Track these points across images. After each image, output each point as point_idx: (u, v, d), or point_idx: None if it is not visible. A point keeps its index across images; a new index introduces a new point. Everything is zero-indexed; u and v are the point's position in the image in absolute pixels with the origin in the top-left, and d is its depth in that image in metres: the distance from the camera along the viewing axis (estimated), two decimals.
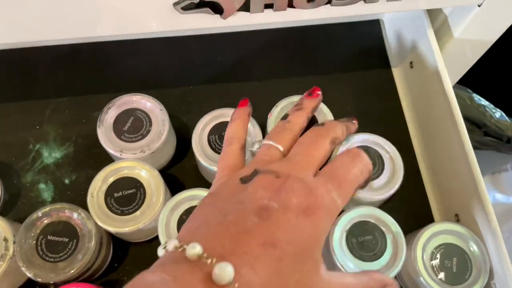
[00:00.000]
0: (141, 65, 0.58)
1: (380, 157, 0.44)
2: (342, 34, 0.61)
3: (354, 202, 0.43)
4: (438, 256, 0.42)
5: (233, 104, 0.41)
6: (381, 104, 0.57)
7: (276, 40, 0.60)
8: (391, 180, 0.43)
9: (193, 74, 0.58)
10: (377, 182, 0.43)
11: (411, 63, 0.55)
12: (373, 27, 0.62)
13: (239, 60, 0.59)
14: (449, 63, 0.48)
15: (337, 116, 0.48)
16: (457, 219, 0.47)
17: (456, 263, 0.42)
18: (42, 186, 0.51)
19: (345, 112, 0.53)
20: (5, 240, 0.41)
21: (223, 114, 0.48)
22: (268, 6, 0.40)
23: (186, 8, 0.38)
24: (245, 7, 0.39)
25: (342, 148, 0.43)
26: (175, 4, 0.38)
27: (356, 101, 0.56)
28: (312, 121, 0.47)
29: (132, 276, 0.23)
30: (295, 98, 0.49)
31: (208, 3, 0.38)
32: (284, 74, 0.58)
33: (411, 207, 0.51)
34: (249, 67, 0.59)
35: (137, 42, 0.58)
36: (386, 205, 0.51)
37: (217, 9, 0.39)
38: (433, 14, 0.52)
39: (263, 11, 0.40)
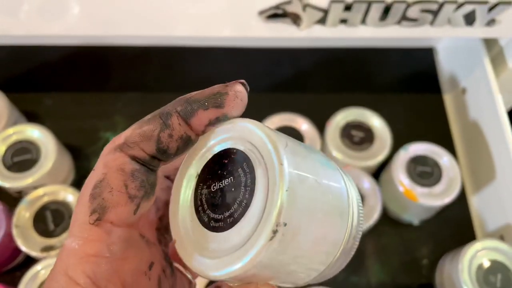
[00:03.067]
0: (206, 70, 0.62)
1: (437, 165, 0.47)
2: (396, 59, 0.64)
3: (415, 208, 0.46)
4: (484, 270, 0.44)
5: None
6: (431, 126, 0.59)
7: (333, 58, 0.64)
8: (449, 187, 0.46)
9: (252, 82, 0.62)
10: (436, 189, 0.46)
11: (463, 90, 0.58)
12: (427, 54, 0.65)
13: (297, 73, 0.63)
14: (503, 92, 0.51)
15: (386, 134, 0.51)
16: (502, 240, 0.49)
17: (500, 279, 0.44)
18: None
19: (395, 131, 0.56)
20: None
21: (280, 119, 0.52)
22: (343, 21, 0.43)
23: (270, 17, 0.42)
24: (322, 21, 0.43)
25: (403, 153, 0.46)
26: (260, 12, 0.42)
27: (405, 122, 0.59)
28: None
29: None
30: (354, 110, 0.52)
31: (290, 14, 0.42)
32: (338, 89, 0.62)
33: (456, 226, 0.53)
34: (306, 80, 0.63)
35: (204, 50, 0.62)
36: (433, 224, 0.53)
37: (296, 21, 0.43)
38: (488, 45, 0.55)
39: (337, 26, 0.44)
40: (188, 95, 0.19)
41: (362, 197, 0.48)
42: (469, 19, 0.44)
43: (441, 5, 0.42)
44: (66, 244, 0.18)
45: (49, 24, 0.44)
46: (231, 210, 0.17)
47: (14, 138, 0.49)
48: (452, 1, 0.42)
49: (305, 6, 0.41)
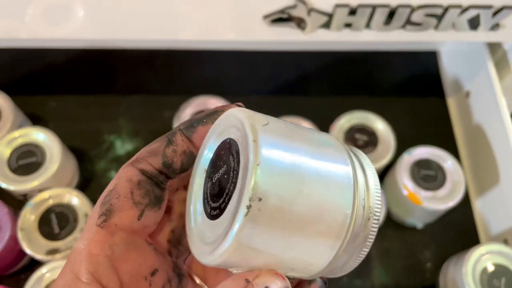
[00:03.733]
0: (210, 73, 0.62)
1: (441, 169, 0.47)
2: (400, 62, 0.64)
3: (419, 211, 0.46)
4: (488, 274, 0.44)
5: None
6: (434, 130, 0.59)
7: (337, 61, 0.64)
8: (453, 191, 0.46)
9: (256, 85, 0.62)
10: (440, 193, 0.46)
11: (467, 93, 0.58)
12: (430, 57, 0.65)
13: (301, 77, 0.63)
14: (506, 96, 0.51)
15: (389, 138, 0.51)
16: (506, 244, 0.49)
17: (504, 283, 0.44)
18: (113, 174, 0.55)
19: (398, 134, 0.56)
20: (86, 215, 0.45)
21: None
22: (347, 25, 0.44)
23: (274, 21, 0.42)
24: (327, 25, 0.43)
25: (407, 157, 0.46)
26: (265, 16, 0.42)
27: (409, 125, 0.59)
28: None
29: None
30: (358, 113, 0.52)
31: (294, 18, 0.42)
32: (341, 92, 0.62)
33: (460, 230, 0.53)
34: (310, 83, 0.63)
35: (209, 53, 0.62)
36: (437, 228, 0.53)
37: (301, 25, 0.43)
38: (492, 49, 0.55)
39: (341, 30, 0.44)
40: (191, 117, 0.22)
41: None
42: (474, 23, 0.44)
43: (445, 10, 0.42)
44: (75, 245, 0.20)
45: (54, 28, 0.45)
46: (224, 197, 0.18)
47: (19, 141, 0.49)
48: (457, 5, 0.42)
49: (310, 10, 0.41)
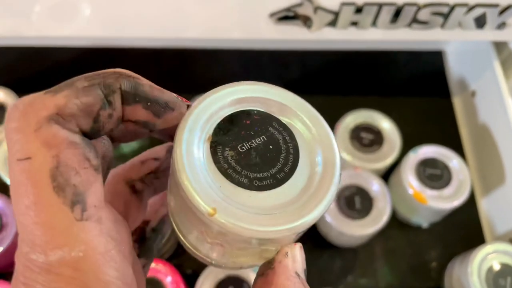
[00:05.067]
0: (215, 72, 0.62)
1: (447, 168, 0.47)
2: (406, 61, 0.64)
3: (424, 211, 0.46)
4: (493, 274, 0.44)
5: None
6: (440, 129, 0.59)
7: (343, 60, 0.64)
8: (459, 190, 0.46)
9: None
10: (446, 192, 0.46)
11: (473, 92, 0.57)
12: (436, 57, 0.65)
13: (306, 75, 0.63)
14: None
15: (395, 137, 0.51)
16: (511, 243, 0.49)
17: (510, 282, 0.43)
18: None
19: (404, 133, 0.55)
20: None
21: None
22: (353, 23, 0.44)
23: (281, 19, 0.42)
24: (333, 23, 0.43)
25: (413, 156, 0.46)
26: (271, 14, 0.42)
27: (415, 124, 0.59)
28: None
29: None
30: (363, 112, 0.52)
31: (300, 16, 0.42)
32: (347, 91, 0.62)
33: (465, 229, 0.53)
34: (315, 82, 0.63)
35: (214, 52, 0.63)
36: (442, 227, 0.53)
37: (307, 23, 0.43)
38: (498, 48, 0.54)
39: (347, 28, 0.44)
40: (136, 76, 0.17)
41: (372, 200, 0.48)
42: (480, 22, 0.44)
43: (452, 8, 0.42)
44: (75, 254, 0.14)
45: (60, 26, 0.45)
46: (278, 166, 0.18)
47: None
48: (463, 4, 0.42)
49: (316, 9, 0.41)
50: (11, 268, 0.48)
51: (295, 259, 0.17)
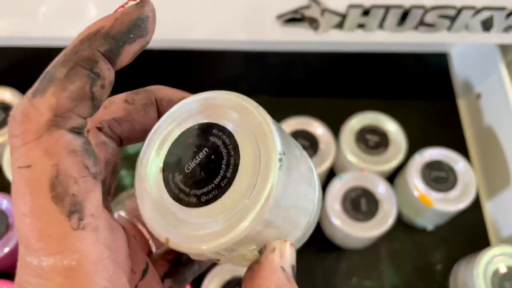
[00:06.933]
0: (221, 73, 0.63)
1: (452, 170, 0.47)
2: (411, 64, 0.64)
3: (429, 213, 0.46)
4: (499, 277, 0.44)
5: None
6: (445, 132, 0.59)
7: (348, 62, 0.64)
8: (464, 192, 0.46)
9: (267, 86, 0.62)
10: (451, 194, 0.46)
11: (478, 95, 0.57)
12: (441, 59, 0.65)
13: (312, 77, 0.63)
14: None
15: (401, 139, 0.51)
16: None
17: None
18: (123, 172, 0.55)
19: (409, 136, 0.55)
20: None
21: (295, 123, 0.52)
22: (360, 26, 0.44)
23: (287, 21, 0.42)
24: (339, 25, 0.43)
25: (418, 158, 0.46)
26: (278, 16, 0.42)
27: (420, 127, 0.59)
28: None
29: None
30: (369, 114, 0.52)
31: (307, 19, 0.42)
32: (352, 93, 0.62)
33: (470, 232, 0.53)
34: (321, 84, 0.63)
35: (220, 53, 0.63)
36: (447, 229, 0.53)
37: (314, 25, 0.43)
38: (504, 50, 0.54)
39: (354, 31, 0.44)
40: (100, 27, 0.15)
41: (377, 202, 0.48)
42: (487, 25, 0.44)
43: (459, 11, 0.42)
44: (69, 262, 0.14)
45: (66, 26, 0.45)
46: (221, 174, 0.17)
47: None
48: (470, 7, 0.42)
49: (324, 11, 0.41)
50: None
51: (283, 255, 0.17)
